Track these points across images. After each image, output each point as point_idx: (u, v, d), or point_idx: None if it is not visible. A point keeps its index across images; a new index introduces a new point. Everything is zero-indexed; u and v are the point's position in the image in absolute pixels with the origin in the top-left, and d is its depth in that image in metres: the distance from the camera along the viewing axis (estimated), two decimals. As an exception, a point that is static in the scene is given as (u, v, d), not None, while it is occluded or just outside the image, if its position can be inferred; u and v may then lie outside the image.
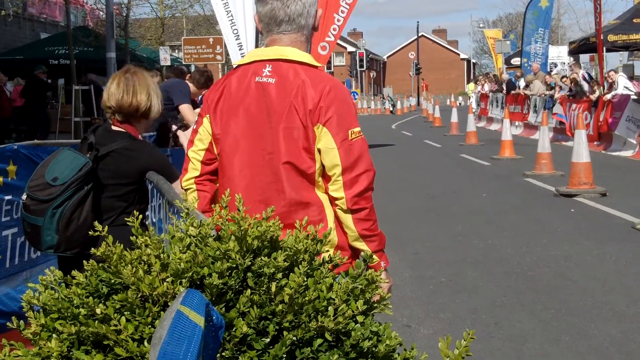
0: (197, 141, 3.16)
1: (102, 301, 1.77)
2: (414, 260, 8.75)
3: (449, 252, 9.13)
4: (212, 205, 3.17)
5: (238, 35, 15.49)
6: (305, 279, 1.71)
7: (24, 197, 4.06)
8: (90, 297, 1.74)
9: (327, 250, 1.97)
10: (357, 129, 3.00)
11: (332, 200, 3.00)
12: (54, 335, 1.67)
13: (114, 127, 4.27)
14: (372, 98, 68.45)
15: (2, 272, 5.46)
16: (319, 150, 2.96)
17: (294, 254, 1.77)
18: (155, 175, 4.04)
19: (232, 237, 1.80)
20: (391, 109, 59.55)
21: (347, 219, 2.99)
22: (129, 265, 1.69)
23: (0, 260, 5.40)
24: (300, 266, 1.70)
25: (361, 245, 3.04)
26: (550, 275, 7.97)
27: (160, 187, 3.80)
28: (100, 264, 1.81)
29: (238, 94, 3.06)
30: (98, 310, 1.72)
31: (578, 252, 8.96)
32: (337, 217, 3.03)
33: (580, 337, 6.00)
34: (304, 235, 1.79)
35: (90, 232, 3.86)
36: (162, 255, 1.73)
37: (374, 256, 3.09)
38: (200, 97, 9.71)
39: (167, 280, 1.69)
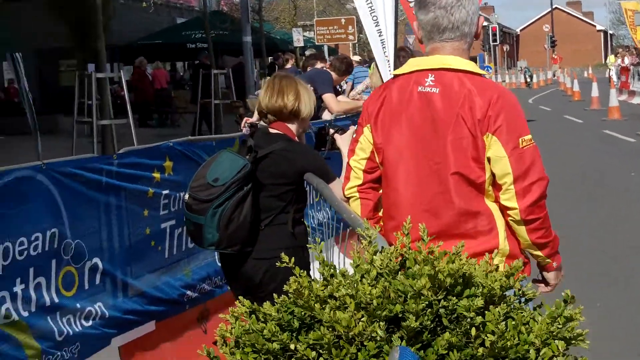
0: (358, 150, 3.17)
1: (295, 335, 1.78)
2: (563, 247, 8.49)
3: (599, 238, 8.84)
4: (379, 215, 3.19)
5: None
6: (504, 319, 1.66)
7: (187, 197, 4.22)
8: (285, 333, 1.74)
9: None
10: (528, 137, 2.94)
11: (504, 209, 2.96)
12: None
13: (271, 130, 4.38)
14: (507, 72, 67.10)
15: (162, 262, 5.64)
16: (489, 159, 2.92)
17: (489, 291, 1.73)
18: (315, 178, 4.09)
19: (424, 273, 1.76)
20: (528, 80, 57.96)
21: (521, 230, 2.96)
22: (326, 307, 1.68)
23: (159, 250, 5.61)
24: (499, 308, 1.65)
25: (535, 251, 3.04)
26: None
27: (321, 191, 3.82)
28: (292, 298, 1.82)
29: (400, 104, 3.04)
30: (292, 346, 1.73)
31: None
32: (508, 226, 2.97)
33: None
34: (499, 274, 1.74)
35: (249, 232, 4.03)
36: (356, 295, 1.72)
37: (547, 258, 3.05)
38: (339, 85, 9.73)
39: (362, 320, 1.67)
